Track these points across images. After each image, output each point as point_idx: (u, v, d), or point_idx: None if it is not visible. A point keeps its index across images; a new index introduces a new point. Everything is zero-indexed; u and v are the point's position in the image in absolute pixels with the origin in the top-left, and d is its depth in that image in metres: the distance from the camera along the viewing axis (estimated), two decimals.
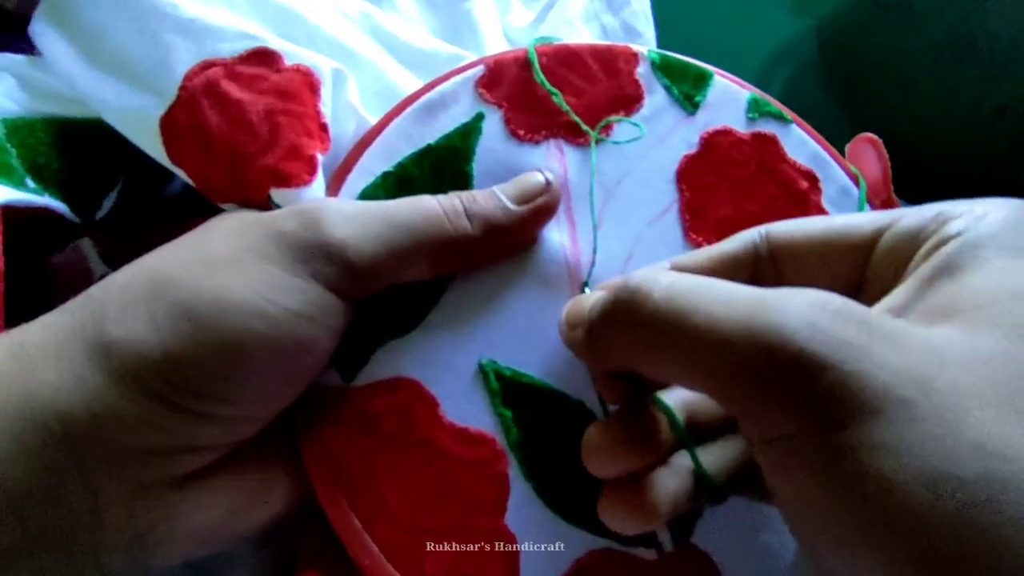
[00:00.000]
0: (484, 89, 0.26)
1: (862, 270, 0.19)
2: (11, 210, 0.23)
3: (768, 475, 0.15)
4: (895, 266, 0.18)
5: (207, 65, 0.24)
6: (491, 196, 0.23)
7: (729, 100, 0.28)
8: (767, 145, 0.27)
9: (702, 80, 0.28)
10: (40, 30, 0.26)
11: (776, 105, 0.28)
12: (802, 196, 0.27)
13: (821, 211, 0.27)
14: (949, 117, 0.65)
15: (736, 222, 0.25)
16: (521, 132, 0.26)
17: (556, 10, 0.37)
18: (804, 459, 0.13)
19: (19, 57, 0.28)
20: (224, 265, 0.18)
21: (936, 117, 0.66)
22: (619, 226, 0.25)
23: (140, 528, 0.17)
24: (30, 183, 0.25)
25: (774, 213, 0.26)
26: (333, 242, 0.19)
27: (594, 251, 0.24)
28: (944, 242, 0.16)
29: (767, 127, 0.28)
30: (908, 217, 0.18)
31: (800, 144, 0.28)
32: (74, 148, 0.27)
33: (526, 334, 0.23)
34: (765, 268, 0.20)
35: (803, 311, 0.14)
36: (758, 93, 0.28)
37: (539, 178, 0.23)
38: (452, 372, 0.23)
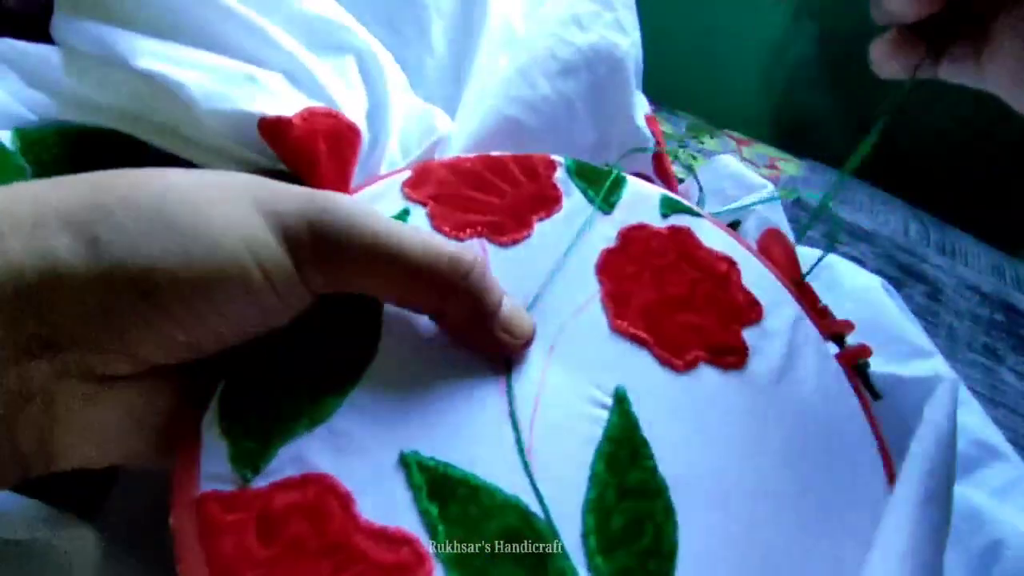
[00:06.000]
0: (410, 189, 0.27)
1: None
2: None
3: None
4: None
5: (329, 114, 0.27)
6: (500, 292, 0.23)
7: (642, 199, 0.30)
8: (682, 236, 0.29)
9: (616, 184, 0.30)
10: (64, 21, 0.26)
11: (686, 202, 0.30)
12: (723, 277, 0.28)
13: (743, 291, 0.28)
14: (950, 118, 0.65)
15: (662, 305, 0.26)
16: (446, 228, 0.27)
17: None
18: None
19: (28, 46, 0.26)
20: (223, 203, 0.19)
21: (937, 118, 0.67)
22: (540, 321, 0.25)
23: (54, 415, 0.18)
24: None
25: (698, 295, 0.27)
26: (323, 217, 0.20)
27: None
28: None
29: (680, 221, 0.30)
30: None
31: (711, 233, 0.30)
32: (87, 160, 0.26)
33: (451, 422, 0.22)
34: None
35: None
36: (668, 192, 0.31)
37: (531, 323, 0.24)
38: (369, 464, 0.21)
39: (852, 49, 0.81)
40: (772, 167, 0.75)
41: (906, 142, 0.81)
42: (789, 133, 0.82)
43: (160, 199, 0.18)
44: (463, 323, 0.22)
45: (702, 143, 0.78)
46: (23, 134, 0.25)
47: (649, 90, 0.44)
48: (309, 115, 0.26)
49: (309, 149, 0.26)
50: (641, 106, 0.40)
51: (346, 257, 0.20)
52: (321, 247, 0.19)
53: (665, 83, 0.67)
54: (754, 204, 0.38)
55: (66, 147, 0.26)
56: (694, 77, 0.84)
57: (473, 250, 0.22)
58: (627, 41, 0.37)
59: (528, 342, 0.24)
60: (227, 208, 0.19)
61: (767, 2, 0.80)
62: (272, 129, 0.26)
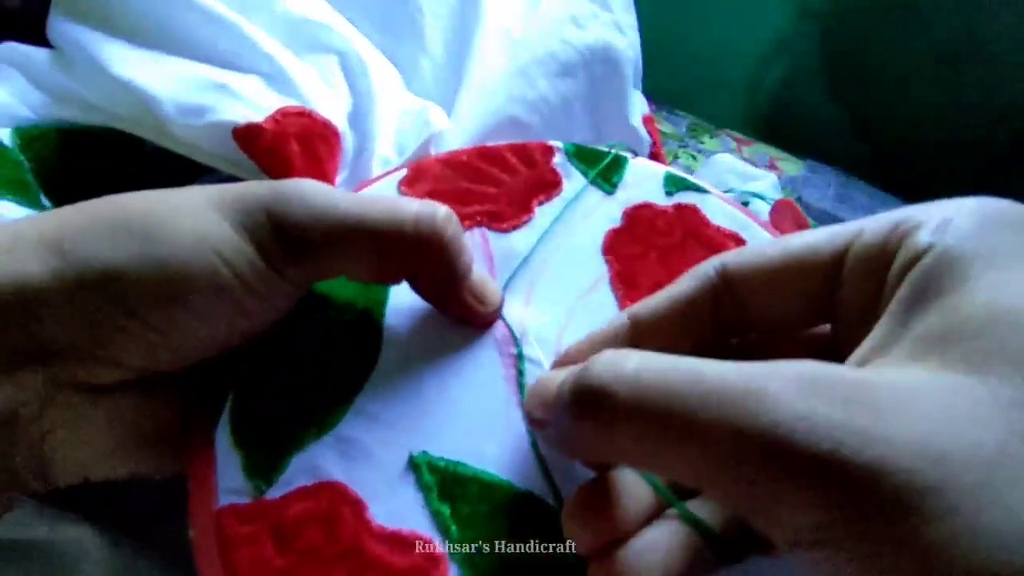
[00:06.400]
0: (406, 187, 0.27)
1: (831, 290, 0.18)
2: None
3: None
4: (868, 286, 0.17)
5: (301, 113, 0.26)
6: (471, 257, 0.23)
7: (646, 178, 0.29)
8: (689, 214, 0.29)
9: (617, 163, 0.30)
10: (57, 24, 0.26)
11: (692, 179, 0.30)
12: None
13: None
14: (950, 118, 0.66)
15: None
16: None
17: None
18: (848, 556, 0.13)
19: (32, 49, 0.27)
20: (184, 208, 0.19)
21: (937, 118, 0.67)
22: (549, 302, 0.25)
23: (46, 427, 0.18)
24: (45, 201, 0.24)
25: None
26: (280, 201, 0.20)
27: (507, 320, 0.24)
28: (915, 259, 0.16)
29: (686, 198, 0.29)
30: (869, 231, 0.18)
31: (719, 210, 0.29)
32: (87, 158, 0.27)
33: (459, 419, 0.22)
34: (725, 301, 0.20)
35: (791, 400, 0.13)
36: (673, 171, 0.30)
37: (500, 293, 0.24)
38: (379, 469, 0.21)
39: (852, 49, 0.81)
40: (772, 167, 0.75)
41: (906, 142, 0.81)
42: (789, 133, 0.82)
43: (122, 212, 0.19)
44: (437, 287, 0.22)
45: (702, 143, 0.78)
46: (22, 132, 0.25)
47: (649, 90, 0.44)
48: (281, 116, 0.27)
49: (281, 150, 0.26)
50: (638, 107, 0.40)
51: (309, 236, 0.20)
52: (283, 232, 0.19)
53: (665, 83, 0.67)
54: (757, 194, 0.38)
55: (65, 143, 0.26)
56: (694, 77, 0.84)
57: (444, 205, 0.22)
58: (624, 42, 0.37)
59: (496, 311, 0.24)
60: (187, 213, 0.19)
61: (767, 2, 0.80)
62: (245, 136, 0.26)
